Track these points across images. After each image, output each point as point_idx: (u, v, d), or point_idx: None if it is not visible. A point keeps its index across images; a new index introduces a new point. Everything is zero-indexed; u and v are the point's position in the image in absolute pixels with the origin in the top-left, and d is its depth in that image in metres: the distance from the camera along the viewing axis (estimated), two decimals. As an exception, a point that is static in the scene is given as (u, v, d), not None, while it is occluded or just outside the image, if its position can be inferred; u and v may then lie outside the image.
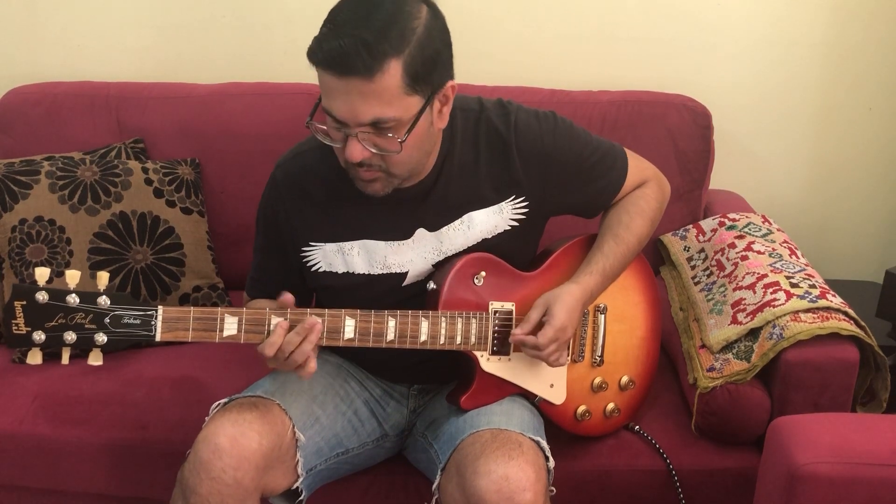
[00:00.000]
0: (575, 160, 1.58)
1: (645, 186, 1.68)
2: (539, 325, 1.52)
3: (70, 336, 1.30)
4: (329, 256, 1.57)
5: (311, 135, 1.48)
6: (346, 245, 1.56)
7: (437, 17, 1.37)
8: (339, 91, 1.32)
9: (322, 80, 1.34)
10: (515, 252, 1.59)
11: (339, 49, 1.29)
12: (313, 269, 1.58)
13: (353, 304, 1.46)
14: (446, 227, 1.55)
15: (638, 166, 1.67)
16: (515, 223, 1.57)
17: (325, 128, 1.41)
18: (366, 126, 1.35)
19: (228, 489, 1.36)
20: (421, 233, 1.54)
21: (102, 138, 2.25)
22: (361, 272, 1.56)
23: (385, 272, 1.56)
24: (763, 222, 2.08)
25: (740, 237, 2.00)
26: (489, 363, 1.54)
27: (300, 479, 1.49)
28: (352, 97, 1.32)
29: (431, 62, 1.35)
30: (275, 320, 1.39)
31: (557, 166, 1.56)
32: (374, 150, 1.38)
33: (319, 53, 1.31)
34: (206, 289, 2.13)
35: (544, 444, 1.48)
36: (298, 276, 1.61)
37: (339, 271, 1.57)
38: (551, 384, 1.60)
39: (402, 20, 1.32)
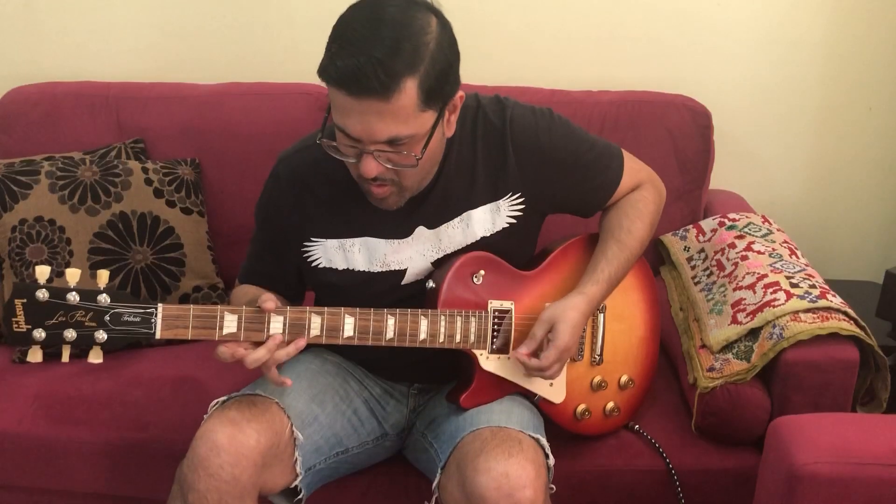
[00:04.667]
0: (571, 157, 1.57)
1: (642, 189, 1.67)
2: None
3: (70, 334, 1.30)
4: (330, 253, 1.57)
5: (315, 130, 1.46)
6: (348, 242, 1.56)
7: (445, 29, 1.36)
8: (354, 110, 1.31)
9: (335, 98, 1.32)
10: (514, 250, 1.59)
11: (355, 68, 1.27)
12: (313, 264, 1.58)
13: (352, 302, 1.46)
14: (445, 224, 1.55)
15: (634, 168, 1.67)
16: (513, 220, 1.57)
17: (335, 144, 1.39)
18: (381, 144, 1.34)
19: (226, 486, 1.36)
20: (420, 230, 1.54)
21: (102, 138, 2.25)
22: (361, 269, 1.56)
23: (384, 270, 1.55)
24: (763, 222, 2.07)
25: (740, 237, 2.00)
26: (488, 362, 1.54)
27: (299, 478, 1.49)
28: (368, 116, 1.31)
29: (444, 76, 1.34)
30: (276, 320, 1.39)
31: (553, 163, 1.56)
32: (389, 166, 1.37)
33: (333, 72, 1.29)
34: (206, 289, 2.13)
35: (544, 441, 1.48)
36: (294, 271, 1.61)
37: (340, 268, 1.57)
38: (550, 383, 1.60)
39: (414, 35, 1.30)
